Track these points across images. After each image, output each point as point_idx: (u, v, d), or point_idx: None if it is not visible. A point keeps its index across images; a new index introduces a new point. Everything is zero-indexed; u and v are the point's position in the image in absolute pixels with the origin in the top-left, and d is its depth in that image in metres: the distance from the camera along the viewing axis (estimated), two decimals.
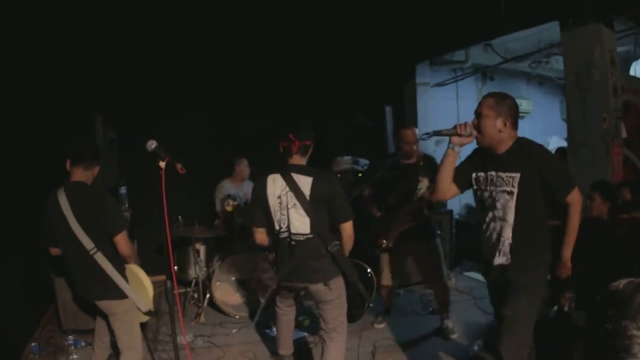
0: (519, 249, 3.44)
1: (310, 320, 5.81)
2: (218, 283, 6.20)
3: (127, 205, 6.16)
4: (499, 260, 3.51)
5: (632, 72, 8.08)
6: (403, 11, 6.29)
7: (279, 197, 3.91)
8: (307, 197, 3.84)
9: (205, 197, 7.24)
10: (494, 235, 3.53)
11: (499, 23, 6.39)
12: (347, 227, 3.93)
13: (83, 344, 5.09)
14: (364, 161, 7.88)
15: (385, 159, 5.88)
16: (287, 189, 3.88)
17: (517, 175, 3.36)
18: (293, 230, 3.91)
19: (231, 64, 7.19)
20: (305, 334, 5.61)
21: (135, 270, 3.93)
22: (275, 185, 3.93)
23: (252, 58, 7.19)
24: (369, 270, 5.77)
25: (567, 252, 3.58)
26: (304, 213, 3.86)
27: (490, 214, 3.54)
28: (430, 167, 5.23)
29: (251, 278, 6.29)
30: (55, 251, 3.93)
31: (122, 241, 3.76)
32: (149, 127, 5.89)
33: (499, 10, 5.07)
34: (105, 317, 4.02)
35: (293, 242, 3.92)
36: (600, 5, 5.76)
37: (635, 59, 8.08)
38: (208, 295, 6.21)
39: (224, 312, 6.18)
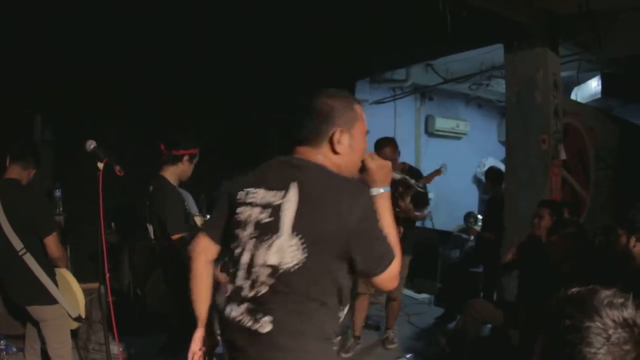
0: None
1: None
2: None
3: (61, 209, 5.95)
4: None
5: (573, 97, 8.30)
6: (345, 26, 6.26)
7: None
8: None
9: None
10: None
11: (443, 43, 6.45)
12: None
13: (14, 349, 4.85)
14: None
15: None
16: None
17: None
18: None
19: (171, 66, 7.01)
20: None
21: (65, 274, 3.85)
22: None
23: (190, 63, 7.04)
24: None
25: None
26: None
27: None
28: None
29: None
30: None
31: (52, 243, 3.67)
32: (87, 130, 5.70)
33: (443, 30, 5.08)
34: (36, 323, 3.90)
35: None
36: (547, 30, 5.90)
37: (577, 84, 8.31)
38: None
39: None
